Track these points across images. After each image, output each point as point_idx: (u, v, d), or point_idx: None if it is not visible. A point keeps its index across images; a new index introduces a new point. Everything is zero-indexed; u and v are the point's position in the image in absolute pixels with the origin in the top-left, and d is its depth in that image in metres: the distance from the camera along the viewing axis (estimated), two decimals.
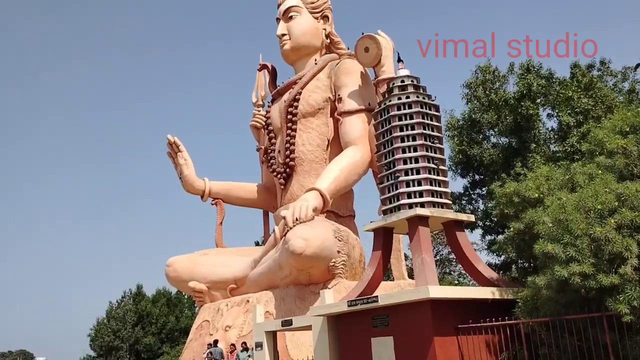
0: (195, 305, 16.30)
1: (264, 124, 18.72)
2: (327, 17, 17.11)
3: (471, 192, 20.43)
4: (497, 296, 8.23)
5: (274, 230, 14.12)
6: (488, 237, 19.90)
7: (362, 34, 14.67)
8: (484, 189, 19.56)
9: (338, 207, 14.92)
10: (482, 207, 20.01)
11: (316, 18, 17.01)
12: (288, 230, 12.32)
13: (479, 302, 8.03)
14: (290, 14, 16.91)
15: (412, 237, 8.54)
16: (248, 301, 13.96)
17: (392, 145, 9.32)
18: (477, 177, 20.40)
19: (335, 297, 11.86)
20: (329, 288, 12.47)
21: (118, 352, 45.98)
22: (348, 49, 16.78)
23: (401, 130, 9.21)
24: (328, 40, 16.96)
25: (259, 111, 19.14)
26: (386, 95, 9.86)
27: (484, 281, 8.62)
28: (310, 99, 15.86)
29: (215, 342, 13.00)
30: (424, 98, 9.40)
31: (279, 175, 16.17)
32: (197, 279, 15.87)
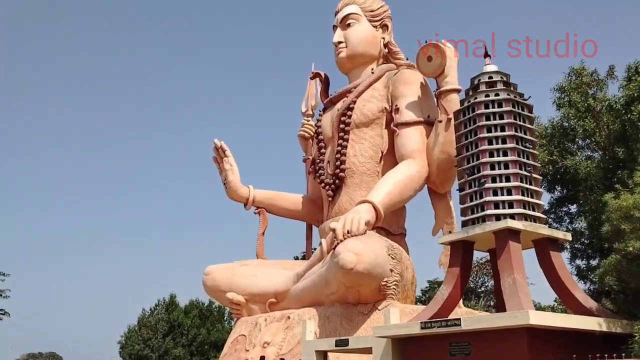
0: (232, 318, 15.53)
1: (313, 133, 18.06)
2: (386, 26, 16.37)
3: (560, 209, 19.00)
4: (604, 328, 7.15)
5: (320, 243, 13.24)
6: (578, 262, 18.24)
7: (425, 41, 13.89)
8: (574, 205, 18.11)
9: (389, 224, 13.95)
10: (572, 226, 18.59)
11: (375, 27, 16.30)
12: (337, 244, 11.44)
13: (583, 334, 6.93)
14: (349, 22, 16.25)
15: (500, 254, 7.53)
16: (289, 317, 13.08)
17: (477, 147, 8.37)
18: (565, 191, 18.95)
19: (399, 317, 10.92)
20: (378, 309, 11.51)
21: None
22: (407, 59, 16.01)
23: (489, 131, 8.28)
24: (386, 50, 16.20)
25: (308, 121, 18.51)
26: (470, 93, 8.96)
27: (581, 311, 7.52)
28: (365, 108, 15.07)
29: (262, 358, 12.15)
30: (515, 96, 8.47)
31: (327, 187, 15.36)
32: (235, 290, 15.09)
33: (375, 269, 11.15)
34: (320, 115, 17.00)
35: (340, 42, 16.26)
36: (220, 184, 18.38)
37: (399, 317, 8.46)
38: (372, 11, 16.25)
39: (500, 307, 7.95)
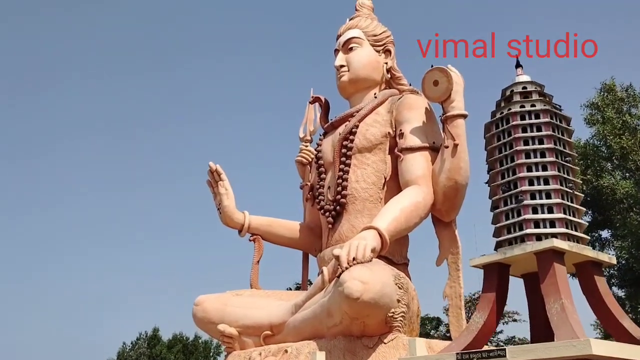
0: (225, 352, 14.65)
1: (311, 159, 17.55)
2: (389, 51, 16.10)
3: (591, 233, 18.40)
4: None
5: (321, 271, 12.56)
6: (614, 289, 17.53)
7: (432, 66, 13.57)
8: (604, 230, 17.53)
9: (392, 253, 13.31)
10: (605, 251, 18.00)
11: (378, 51, 16.00)
12: (342, 272, 10.77)
13: None
14: (351, 45, 15.96)
15: (543, 277, 6.87)
16: (286, 351, 12.25)
17: (513, 161, 7.86)
18: (597, 214, 18.39)
19: (395, 353, 10.16)
20: (384, 343, 10.78)
21: None
22: (410, 85, 15.69)
23: (526, 143, 7.79)
24: (389, 75, 15.87)
25: (307, 146, 17.99)
26: (502, 104, 8.51)
27: (630, 341, 6.90)
28: (367, 133, 14.61)
29: None
30: (552, 107, 8.04)
31: (327, 213, 14.74)
32: (227, 322, 14.22)
33: (382, 299, 10.48)
34: (320, 139, 16.52)
35: (342, 66, 15.92)
36: (211, 210, 17.71)
37: (425, 349, 7.77)
38: (375, 36, 15.99)
39: (537, 337, 7.34)
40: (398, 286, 10.89)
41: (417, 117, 14.15)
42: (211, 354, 47.85)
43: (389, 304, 10.65)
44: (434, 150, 13.67)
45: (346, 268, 10.71)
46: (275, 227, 17.17)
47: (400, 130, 14.14)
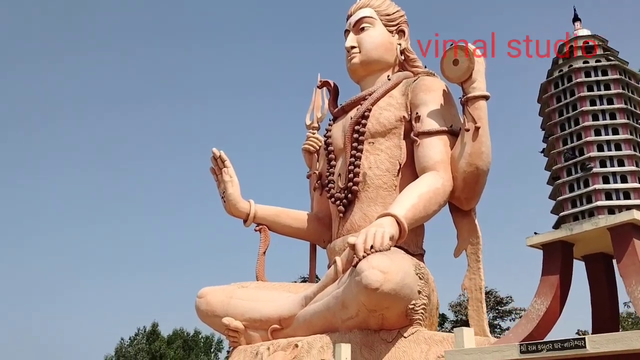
0: (226, 347, 14.03)
1: (318, 147, 16.79)
2: (403, 31, 15.29)
3: None
4: None
5: (334, 262, 11.80)
6: None
7: (451, 44, 12.82)
8: None
9: (407, 243, 12.52)
10: None
11: (391, 32, 15.20)
12: (358, 261, 10.02)
13: None
14: (363, 25, 15.15)
15: (621, 256, 6.09)
16: (297, 345, 11.51)
17: (578, 124, 7.09)
18: None
19: (416, 348, 9.41)
20: (404, 337, 10.05)
21: None
22: (425, 67, 14.92)
23: (592, 104, 7.02)
24: (402, 57, 15.07)
25: (314, 134, 17.23)
26: (560, 62, 7.74)
27: None
28: (381, 117, 13.82)
29: None
30: (621, 63, 7.25)
31: (338, 202, 13.96)
32: (232, 315, 13.49)
33: (403, 290, 9.73)
34: (329, 125, 15.73)
35: (353, 47, 15.13)
36: (214, 198, 16.92)
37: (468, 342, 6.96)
38: (388, 15, 15.19)
39: (601, 329, 6.59)
40: (419, 277, 10.16)
41: (435, 100, 13.39)
42: (212, 350, 47.00)
43: (409, 295, 9.91)
44: (453, 134, 12.91)
45: (363, 257, 9.98)
46: (282, 217, 16.30)
47: (417, 113, 13.37)
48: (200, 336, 46.87)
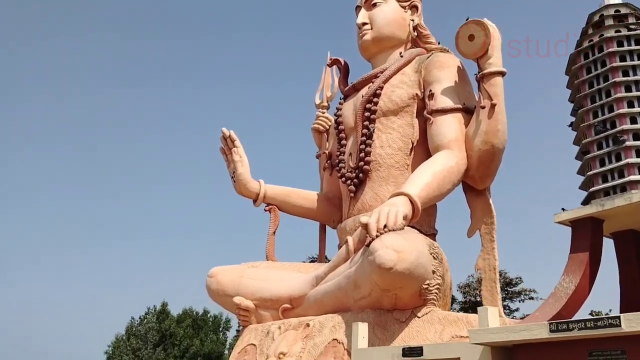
0: (236, 326, 14.06)
1: (328, 127, 16.56)
2: (416, 7, 14.91)
3: None
4: None
5: (346, 241, 11.66)
6: None
7: (466, 18, 12.46)
8: None
9: (420, 223, 12.30)
10: None
11: (403, 7, 14.82)
12: (371, 240, 9.86)
13: None
14: (374, 1, 14.76)
15: None
16: (308, 325, 11.45)
17: (610, 96, 6.99)
18: None
19: (430, 328, 9.29)
20: (418, 317, 9.93)
21: None
22: (439, 43, 14.57)
23: (625, 74, 6.96)
24: (415, 33, 14.70)
25: (323, 113, 16.99)
26: (590, 31, 7.44)
27: None
28: (393, 94, 13.55)
29: None
30: None
31: (348, 182, 13.77)
32: (243, 294, 13.45)
33: (417, 270, 9.58)
34: (340, 103, 15.46)
35: (364, 24, 14.78)
36: (224, 178, 16.79)
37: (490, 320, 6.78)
38: None
39: (631, 309, 6.42)
40: (433, 256, 10.00)
41: (449, 77, 13.07)
42: (220, 329, 47.42)
43: (423, 275, 9.77)
44: (467, 112, 12.58)
45: (376, 236, 9.82)
46: (292, 197, 16.06)
47: (430, 90, 13.08)
48: (209, 315, 47.20)
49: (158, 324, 46.15)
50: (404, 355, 6.55)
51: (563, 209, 6.68)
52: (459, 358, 6.04)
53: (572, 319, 5.41)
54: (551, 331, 5.16)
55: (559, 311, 6.12)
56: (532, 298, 39.26)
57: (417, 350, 6.48)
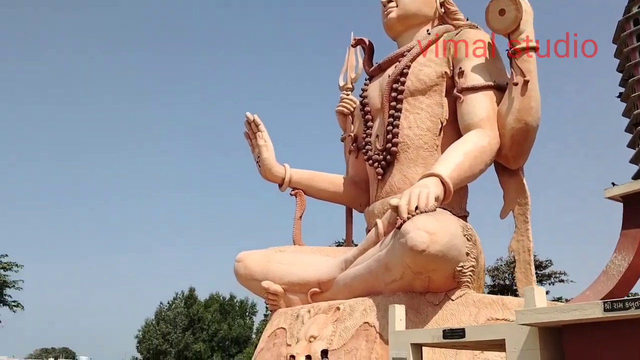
0: (266, 310, 14.03)
1: (352, 109, 16.31)
2: None
3: None
4: None
5: (375, 224, 11.45)
6: None
7: None
8: None
9: (451, 204, 12.00)
10: None
11: None
12: (403, 222, 9.63)
13: None
14: None
15: None
16: (338, 308, 11.35)
17: None
18: None
19: (465, 311, 9.07)
20: (452, 299, 9.71)
21: (166, 356, 44.10)
22: (467, 19, 14.13)
23: None
24: (442, 10, 14.30)
25: (348, 95, 16.73)
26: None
27: None
28: (421, 73, 13.21)
29: (308, 357, 10.41)
30: None
31: (376, 164, 13.53)
32: (271, 279, 13.45)
33: (451, 252, 9.35)
34: (365, 84, 15.16)
35: (390, 1, 14.43)
36: (249, 165, 16.70)
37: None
38: None
39: None
40: (467, 238, 9.74)
41: (479, 53, 12.69)
42: (247, 313, 47.83)
43: (457, 257, 9.53)
44: (499, 89, 12.22)
45: (408, 218, 9.59)
46: (318, 181, 15.96)
47: (460, 68, 12.69)
48: (235, 300, 47.64)
49: (186, 309, 46.76)
50: (444, 337, 6.33)
51: (613, 184, 6.34)
52: (503, 340, 5.80)
53: (628, 297, 5.13)
54: (605, 310, 4.87)
55: (612, 290, 5.83)
56: (562, 281, 38.47)
57: (459, 332, 6.25)
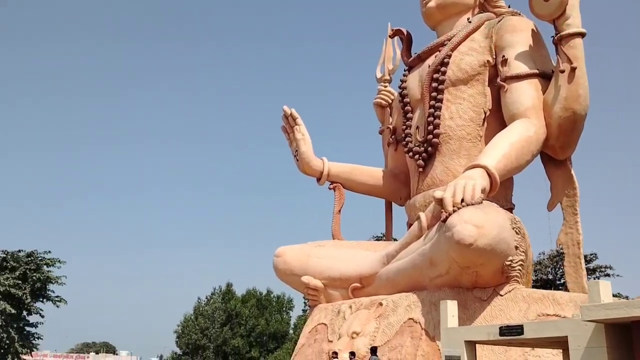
0: (304, 305, 13.97)
1: (391, 101, 16.05)
2: None
3: None
4: None
5: (418, 217, 11.21)
6: None
7: None
8: None
9: (496, 196, 11.62)
10: None
11: None
12: (448, 215, 9.37)
13: None
14: None
15: None
16: (381, 304, 11.18)
17: None
18: None
19: (514, 306, 8.78)
20: (500, 295, 9.42)
21: (204, 351, 44.57)
22: (509, 7, 13.69)
23: None
24: None
25: (386, 87, 16.47)
26: None
27: None
28: (462, 62, 12.87)
29: (352, 354, 10.28)
30: None
31: (417, 156, 13.26)
32: (311, 274, 13.39)
33: (499, 245, 9.06)
34: (404, 75, 14.87)
35: None
36: (286, 159, 16.61)
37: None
38: None
39: None
40: (515, 231, 9.42)
41: (523, 41, 12.23)
42: (284, 309, 48.04)
43: (506, 251, 9.23)
44: (544, 77, 11.78)
45: (453, 211, 9.32)
46: (357, 174, 15.74)
47: (503, 56, 12.27)
48: (272, 295, 47.90)
49: (224, 304, 47.26)
50: (501, 334, 6.08)
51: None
52: (565, 337, 5.51)
53: None
54: None
55: None
56: (607, 275, 37.29)
57: (517, 329, 5.99)
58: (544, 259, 34.08)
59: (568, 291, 11.01)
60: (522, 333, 5.90)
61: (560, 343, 5.72)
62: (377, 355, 9.64)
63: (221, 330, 44.73)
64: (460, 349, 6.46)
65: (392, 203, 15.96)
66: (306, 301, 14.89)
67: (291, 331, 45.06)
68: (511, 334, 5.98)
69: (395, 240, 14.93)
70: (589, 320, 5.34)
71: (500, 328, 6.08)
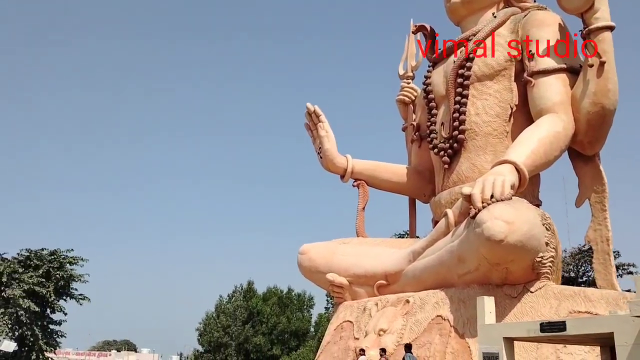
0: (329, 302, 13.96)
1: (414, 97, 15.98)
2: None
3: None
4: None
5: (445, 214, 11.16)
6: None
7: None
8: None
9: (524, 193, 11.48)
10: None
11: None
12: (477, 212, 9.31)
13: None
14: None
15: None
16: (408, 301, 11.15)
17: None
18: None
19: (545, 303, 8.69)
20: (531, 291, 9.34)
21: (226, 349, 44.83)
22: (535, 1, 13.55)
23: None
24: None
25: (409, 83, 16.41)
26: None
27: None
28: (488, 58, 12.76)
29: (383, 350, 10.29)
30: None
31: (442, 153, 13.19)
32: (336, 271, 13.39)
33: (530, 242, 8.98)
34: (428, 71, 14.78)
35: None
36: (310, 156, 16.69)
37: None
38: None
39: None
40: (546, 227, 9.32)
41: (550, 35, 12.08)
42: (305, 307, 48.18)
43: (537, 247, 9.13)
44: (572, 72, 11.63)
45: (483, 207, 9.26)
46: (380, 172, 15.66)
47: (530, 51, 12.15)
48: (293, 293, 48.04)
49: (245, 302, 47.52)
50: (542, 330, 6.01)
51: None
52: (610, 333, 5.43)
53: None
54: None
55: None
56: (630, 272, 36.84)
57: (559, 325, 5.89)
58: (565, 257, 33.74)
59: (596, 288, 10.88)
60: (564, 329, 5.81)
61: (600, 340, 5.64)
62: (412, 353, 9.61)
63: (243, 328, 44.98)
64: (498, 346, 6.41)
65: (416, 200, 15.90)
66: (331, 299, 14.89)
67: (312, 329, 45.11)
68: (553, 330, 5.90)
69: (418, 237, 14.87)
70: (637, 316, 5.25)
71: (542, 324, 6.00)
